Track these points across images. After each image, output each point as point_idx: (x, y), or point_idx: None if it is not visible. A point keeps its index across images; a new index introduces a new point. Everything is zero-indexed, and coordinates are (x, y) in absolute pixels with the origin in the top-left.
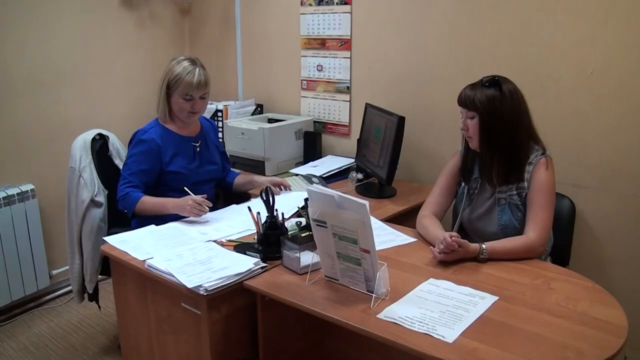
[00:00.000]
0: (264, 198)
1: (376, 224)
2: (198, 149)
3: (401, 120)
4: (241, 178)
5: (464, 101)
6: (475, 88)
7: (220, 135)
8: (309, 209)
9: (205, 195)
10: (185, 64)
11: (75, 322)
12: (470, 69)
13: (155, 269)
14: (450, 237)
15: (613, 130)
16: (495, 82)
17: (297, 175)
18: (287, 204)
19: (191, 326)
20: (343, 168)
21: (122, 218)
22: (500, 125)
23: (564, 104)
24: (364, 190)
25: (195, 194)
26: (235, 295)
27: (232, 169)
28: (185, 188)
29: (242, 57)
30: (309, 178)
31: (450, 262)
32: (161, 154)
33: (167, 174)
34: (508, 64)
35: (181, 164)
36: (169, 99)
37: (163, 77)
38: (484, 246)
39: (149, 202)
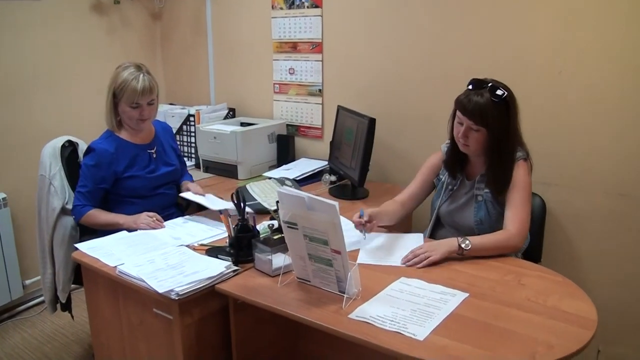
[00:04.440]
0: (235, 201)
1: (348, 225)
2: (154, 156)
3: (372, 121)
4: (186, 182)
5: (472, 113)
6: (482, 96)
7: (193, 140)
8: (280, 211)
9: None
10: (130, 70)
11: (49, 332)
12: (443, 71)
13: (127, 275)
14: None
15: (583, 129)
16: (499, 90)
17: (270, 178)
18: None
19: (163, 332)
20: (316, 170)
21: None
22: (506, 139)
23: (534, 104)
24: (337, 192)
25: (154, 200)
26: (207, 300)
27: (188, 174)
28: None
29: (213, 61)
30: (282, 181)
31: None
32: (114, 164)
33: (122, 182)
34: (480, 65)
35: (136, 171)
36: (116, 109)
37: (109, 86)
38: (467, 241)
39: (99, 217)
